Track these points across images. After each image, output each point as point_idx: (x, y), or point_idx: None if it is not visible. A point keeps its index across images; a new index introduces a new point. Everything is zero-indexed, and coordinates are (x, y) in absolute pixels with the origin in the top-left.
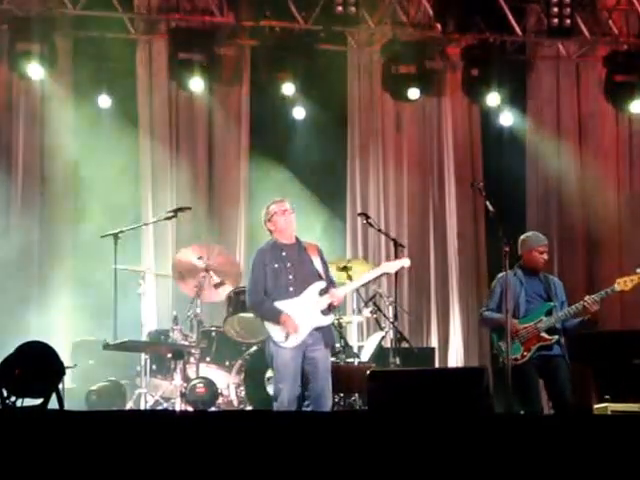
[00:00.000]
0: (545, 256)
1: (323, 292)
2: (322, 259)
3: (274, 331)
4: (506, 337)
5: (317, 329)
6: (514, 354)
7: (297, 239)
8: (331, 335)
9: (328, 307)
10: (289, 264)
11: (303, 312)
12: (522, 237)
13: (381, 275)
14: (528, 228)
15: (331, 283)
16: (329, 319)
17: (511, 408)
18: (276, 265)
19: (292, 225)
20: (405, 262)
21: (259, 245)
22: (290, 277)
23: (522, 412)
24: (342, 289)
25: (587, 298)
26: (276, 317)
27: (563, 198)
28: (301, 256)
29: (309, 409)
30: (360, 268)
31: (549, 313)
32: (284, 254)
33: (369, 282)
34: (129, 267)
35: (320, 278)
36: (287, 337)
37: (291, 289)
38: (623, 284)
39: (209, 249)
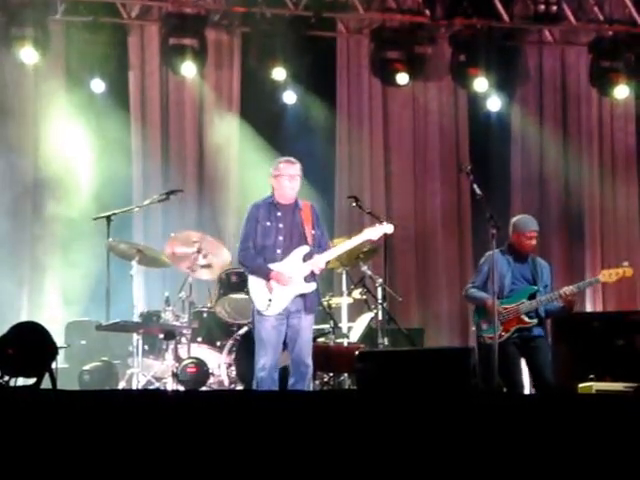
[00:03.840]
0: (533, 242)
1: (307, 258)
2: (316, 219)
3: (257, 299)
4: (487, 316)
5: (300, 296)
6: (492, 333)
7: (295, 199)
8: (313, 300)
9: (311, 274)
10: (281, 225)
11: None
12: (513, 220)
13: (364, 242)
14: (512, 212)
15: (320, 247)
16: (312, 286)
17: (496, 386)
18: (268, 223)
19: (295, 191)
20: (388, 228)
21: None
22: (280, 238)
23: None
24: (323, 256)
25: (564, 289)
26: (266, 274)
27: (547, 182)
28: (295, 219)
29: (292, 380)
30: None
31: (532, 297)
32: (279, 214)
33: (353, 248)
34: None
35: (307, 243)
36: (269, 304)
37: (279, 251)
38: (607, 276)
39: (203, 236)
